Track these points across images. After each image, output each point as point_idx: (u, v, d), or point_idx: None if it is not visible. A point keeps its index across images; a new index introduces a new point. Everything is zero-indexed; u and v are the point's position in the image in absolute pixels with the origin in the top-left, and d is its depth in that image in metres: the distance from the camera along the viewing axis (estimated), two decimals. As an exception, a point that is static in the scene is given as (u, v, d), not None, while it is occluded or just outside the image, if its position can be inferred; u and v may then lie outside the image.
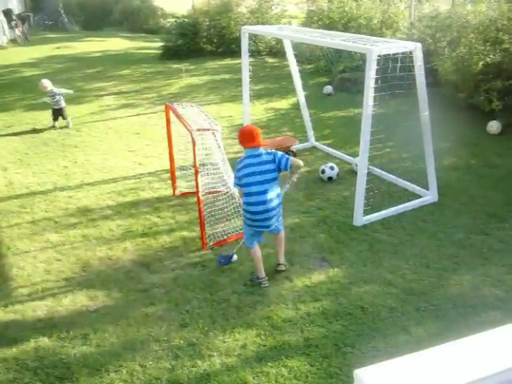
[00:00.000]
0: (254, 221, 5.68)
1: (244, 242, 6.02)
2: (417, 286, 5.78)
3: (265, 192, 5.53)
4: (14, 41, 22.37)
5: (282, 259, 6.10)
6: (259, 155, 5.58)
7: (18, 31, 22.52)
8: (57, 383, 4.58)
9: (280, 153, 5.65)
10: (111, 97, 14.01)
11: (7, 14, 22.05)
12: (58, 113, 11.49)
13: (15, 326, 5.27)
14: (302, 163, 5.76)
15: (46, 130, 11.26)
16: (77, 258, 6.45)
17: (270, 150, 5.70)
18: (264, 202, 5.54)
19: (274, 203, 5.61)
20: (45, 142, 10.57)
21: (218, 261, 6.27)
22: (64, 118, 11.57)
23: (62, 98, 11.50)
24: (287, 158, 5.58)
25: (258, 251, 5.87)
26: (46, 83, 11.53)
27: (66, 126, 11.47)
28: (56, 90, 11.55)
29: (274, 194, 5.59)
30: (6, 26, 22.07)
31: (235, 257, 6.30)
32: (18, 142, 10.41)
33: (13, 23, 22.34)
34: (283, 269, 6.06)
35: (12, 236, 7.00)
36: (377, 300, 5.54)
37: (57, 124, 11.47)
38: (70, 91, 11.89)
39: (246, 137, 5.65)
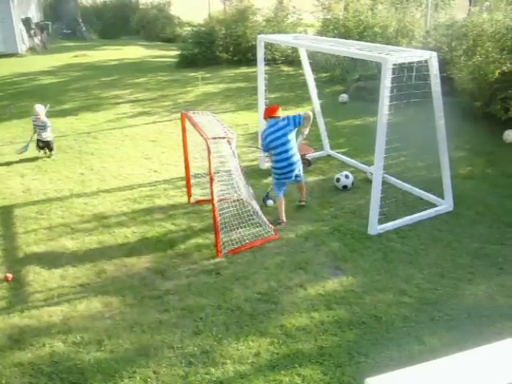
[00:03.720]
0: (281, 174, 7.30)
1: (275, 194, 7.49)
2: (431, 295, 5.75)
3: (287, 151, 7.16)
4: (32, 49, 22.65)
5: (304, 197, 7.82)
6: (276, 123, 7.19)
7: (36, 40, 22.79)
8: (71, 388, 4.62)
9: (291, 115, 7.28)
10: (127, 104, 14.12)
11: (26, 22, 22.32)
12: (43, 145, 10.33)
13: (31, 331, 5.33)
14: (310, 113, 7.46)
15: (59, 137, 11.36)
16: (92, 265, 6.51)
17: (283, 116, 7.26)
18: (287, 159, 7.18)
19: (295, 158, 7.27)
20: (62, 149, 10.67)
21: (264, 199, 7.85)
22: (50, 150, 10.36)
23: (49, 129, 10.29)
24: (299, 116, 7.23)
25: (283, 201, 7.42)
26: (40, 110, 10.26)
27: (49, 157, 10.27)
28: (45, 119, 10.29)
29: (294, 150, 7.23)
30: (25, 34, 22.35)
31: (271, 201, 7.80)
32: (35, 149, 10.50)
33: (32, 32, 22.61)
34: (304, 204, 7.79)
35: (29, 241, 7.08)
36: (391, 309, 5.52)
37: (42, 152, 10.35)
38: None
39: (268, 111, 7.43)
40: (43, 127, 10.20)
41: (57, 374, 4.78)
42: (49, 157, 10.23)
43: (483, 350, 1.98)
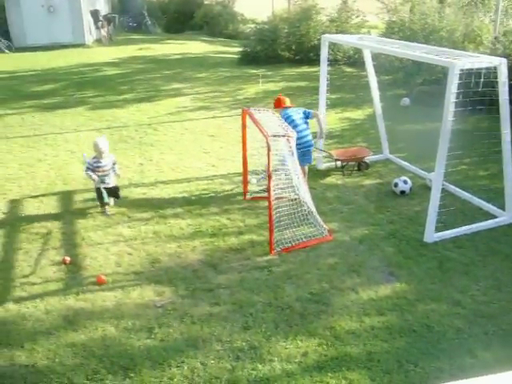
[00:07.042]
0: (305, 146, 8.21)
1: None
2: (486, 308, 5.59)
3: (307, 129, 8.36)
4: (99, 40, 23.23)
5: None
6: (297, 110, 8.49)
7: (103, 31, 23.34)
8: (120, 372, 4.73)
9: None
10: (188, 98, 14.29)
11: (94, 14, 22.91)
12: (110, 193, 7.69)
13: (85, 314, 5.49)
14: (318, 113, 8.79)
15: (120, 127, 11.62)
16: (147, 254, 6.63)
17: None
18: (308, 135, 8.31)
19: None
20: (123, 139, 10.90)
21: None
22: (118, 198, 7.87)
23: (115, 168, 7.76)
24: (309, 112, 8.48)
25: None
26: (103, 146, 7.49)
27: (108, 204, 7.67)
28: (109, 159, 7.61)
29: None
30: (92, 26, 22.95)
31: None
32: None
33: (99, 24, 23.18)
34: None
35: (87, 227, 7.28)
36: (444, 319, 5.40)
37: (108, 209, 7.68)
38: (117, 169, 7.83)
39: (282, 102, 8.46)
40: (107, 169, 7.61)
41: (107, 358, 4.90)
42: (108, 204, 7.71)
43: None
